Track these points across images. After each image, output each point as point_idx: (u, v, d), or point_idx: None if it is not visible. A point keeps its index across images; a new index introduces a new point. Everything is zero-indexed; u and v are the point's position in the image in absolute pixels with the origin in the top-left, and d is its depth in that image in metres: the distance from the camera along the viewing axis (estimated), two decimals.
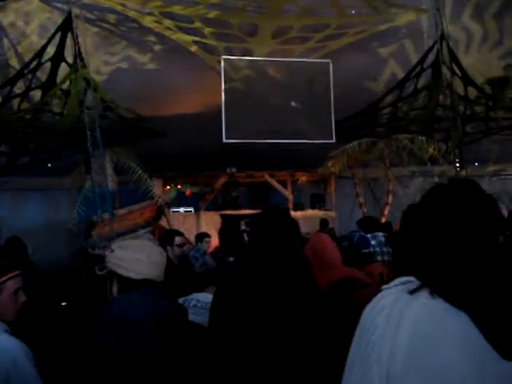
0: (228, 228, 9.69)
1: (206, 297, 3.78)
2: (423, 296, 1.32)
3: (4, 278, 2.48)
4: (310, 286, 2.54)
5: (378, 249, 5.08)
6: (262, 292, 2.38)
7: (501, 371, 1.21)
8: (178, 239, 5.76)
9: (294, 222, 2.69)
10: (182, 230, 6.78)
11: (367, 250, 4.50)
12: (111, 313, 2.08)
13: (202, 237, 7.85)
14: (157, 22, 10.29)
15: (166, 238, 5.86)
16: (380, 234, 5.32)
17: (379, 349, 1.31)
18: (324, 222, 11.08)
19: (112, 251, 2.20)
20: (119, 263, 2.18)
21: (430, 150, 11.35)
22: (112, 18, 10.46)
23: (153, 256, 2.21)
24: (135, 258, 2.17)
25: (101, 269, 2.21)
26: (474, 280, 1.27)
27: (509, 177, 13.88)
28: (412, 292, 1.33)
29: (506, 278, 1.27)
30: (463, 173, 10.34)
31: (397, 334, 1.29)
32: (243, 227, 8.05)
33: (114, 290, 2.21)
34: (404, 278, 1.41)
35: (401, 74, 11.31)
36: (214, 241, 9.38)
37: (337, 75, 10.64)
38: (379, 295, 1.41)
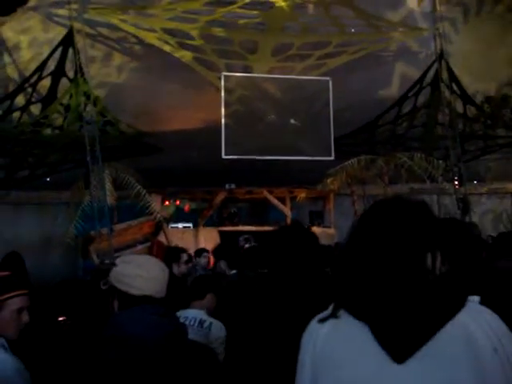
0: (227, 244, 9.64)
1: (196, 313, 3.75)
2: (338, 314, 1.48)
3: (7, 296, 2.44)
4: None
5: None
6: (291, 317, 2.31)
7: (394, 373, 1.34)
8: (184, 256, 5.78)
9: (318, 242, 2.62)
10: (180, 246, 6.76)
11: None
12: (111, 328, 2.06)
13: (200, 252, 7.83)
14: (158, 39, 10.36)
15: (171, 255, 5.86)
16: None
17: (303, 362, 1.52)
18: None
19: (116, 266, 2.19)
20: (120, 278, 2.16)
21: (429, 167, 11.35)
22: (113, 33, 10.52)
23: (152, 272, 2.18)
24: (135, 274, 2.14)
25: (104, 284, 2.20)
26: (376, 297, 1.40)
27: (507, 195, 13.87)
28: (322, 320, 1.51)
29: (408, 295, 1.38)
30: (462, 190, 10.35)
31: (314, 348, 1.48)
32: (241, 243, 8.03)
33: (115, 305, 2.18)
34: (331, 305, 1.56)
35: (400, 92, 11.35)
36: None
37: (336, 92, 10.69)
38: (309, 324, 1.58)
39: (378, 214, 1.49)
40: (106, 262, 8.16)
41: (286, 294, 2.37)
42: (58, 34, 9.86)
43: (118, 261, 2.22)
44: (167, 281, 2.26)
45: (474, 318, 1.34)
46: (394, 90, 11.57)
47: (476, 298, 1.40)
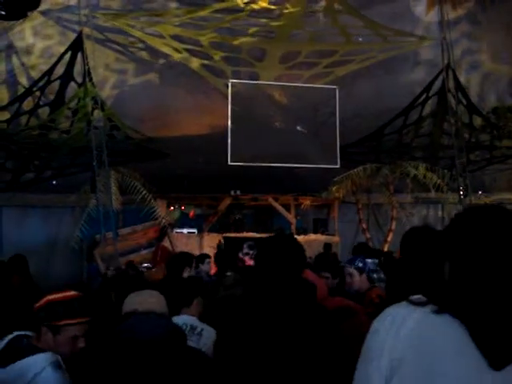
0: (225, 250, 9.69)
1: (187, 319, 3.75)
2: (426, 307, 1.41)
3: (63, 323, 2.42)
4: (317, 315, 2.51)
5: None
6: (268, 322, 2.36)
7: (488, 380, 1.30)
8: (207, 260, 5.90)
9: (301, 248, 2.68)
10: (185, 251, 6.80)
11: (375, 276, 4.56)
12: (124, 330, 2.19)
13: (203, 258, 7.82)
14: (166, 45, 10.42)
15: (185, 259, 5.94)
16: (369, 260, 5.31)
17: (381, 345, 1.42)
18: (328, 246, 11.05)
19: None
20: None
21: (435, 177, 11.36)
22: (121, 38, 10.58)
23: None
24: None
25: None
26: (475, 296, 1.35)
27: None
28: (416, 304, 1.44)
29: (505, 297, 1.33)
30: (467, 201, 10.34)
31: (399, 332, 1.39)
32: (246, 250, 8.03)
33: None
34: (414, 297, 1.48)
35: (407, 101, 11.36)
36: None
37: (343, 101, 10.72)
38: (386, 309, 1.51)
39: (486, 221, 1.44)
40: (111, 268, 8.20)
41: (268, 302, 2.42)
42: (67, 38, 9.93)
43: None
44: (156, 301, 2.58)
45: None
46: (400, 99, 11.58)
47: None
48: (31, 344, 2.40)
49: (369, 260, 5.15)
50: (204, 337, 3.61)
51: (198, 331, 3.66)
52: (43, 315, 2.42)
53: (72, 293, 2.54)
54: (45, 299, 2.47)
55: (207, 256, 7.93)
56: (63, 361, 2.41)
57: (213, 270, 8.24)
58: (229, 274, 5.68)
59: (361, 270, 4.60)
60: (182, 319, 3.70)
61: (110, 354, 2.12)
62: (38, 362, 2.29)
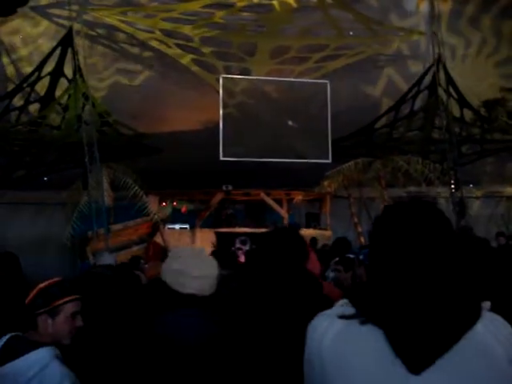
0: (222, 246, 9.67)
1: None
2: (347, 312, 1.39)
3: (62, 301, 2.47)
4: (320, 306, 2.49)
5: None
6: (270, 314, 2.34)
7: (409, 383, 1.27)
8: None
9: (302, 241, 2.66)
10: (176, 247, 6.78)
11: None
12: (160, 328, 2.05)
13: None
14: (157, 40, 10.39)
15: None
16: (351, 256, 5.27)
17: (312, 354, 1.41)
18: (313, 240, 11.04)
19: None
20: (167, 273, 2.10)
21: (426, 171, 11.39)
22: (112, 34, 10.54)
23: (204, 270, 2.12)
24: (181, 270, 2.08)
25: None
26: (391, 301, 1.34)
27: (503, 198, 13.90)
28: (336, 314, 1.41)
29: (423, 301, 1.32)
30: (458, 194, 10.38)
31: (320, 346, 1.38)
32: (238, 245, 8.02)
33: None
34: (341, 301, 1.46)
35: (397, 96, 11.38)
36: None
37: (334, 95, 10.74)
38: (314, 318, 1.48)
39: (398, 218, 1.41)
40: (98, 264, 8.14)
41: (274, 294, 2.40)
42: (57, 34, 9.88)
43: (170, 254, 2.16)
44: (217, 278, 2.19)
45: (489, 328, 1.30)
46: (391, 93, 11.61)
47: (487, 304, 1.36)
48: (29, 340, 2.41)
49: (351, 256, 5.10)
50: None
51: None
52: (41, 301, 2.46)
53: (57, 278, 2.60)
54: (36, 289, 2.51)
55: None
56: (65, 345, 2.45)
57: None
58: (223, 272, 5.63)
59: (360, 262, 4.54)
60: None
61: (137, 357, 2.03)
62: (42, 357, 2.31)
